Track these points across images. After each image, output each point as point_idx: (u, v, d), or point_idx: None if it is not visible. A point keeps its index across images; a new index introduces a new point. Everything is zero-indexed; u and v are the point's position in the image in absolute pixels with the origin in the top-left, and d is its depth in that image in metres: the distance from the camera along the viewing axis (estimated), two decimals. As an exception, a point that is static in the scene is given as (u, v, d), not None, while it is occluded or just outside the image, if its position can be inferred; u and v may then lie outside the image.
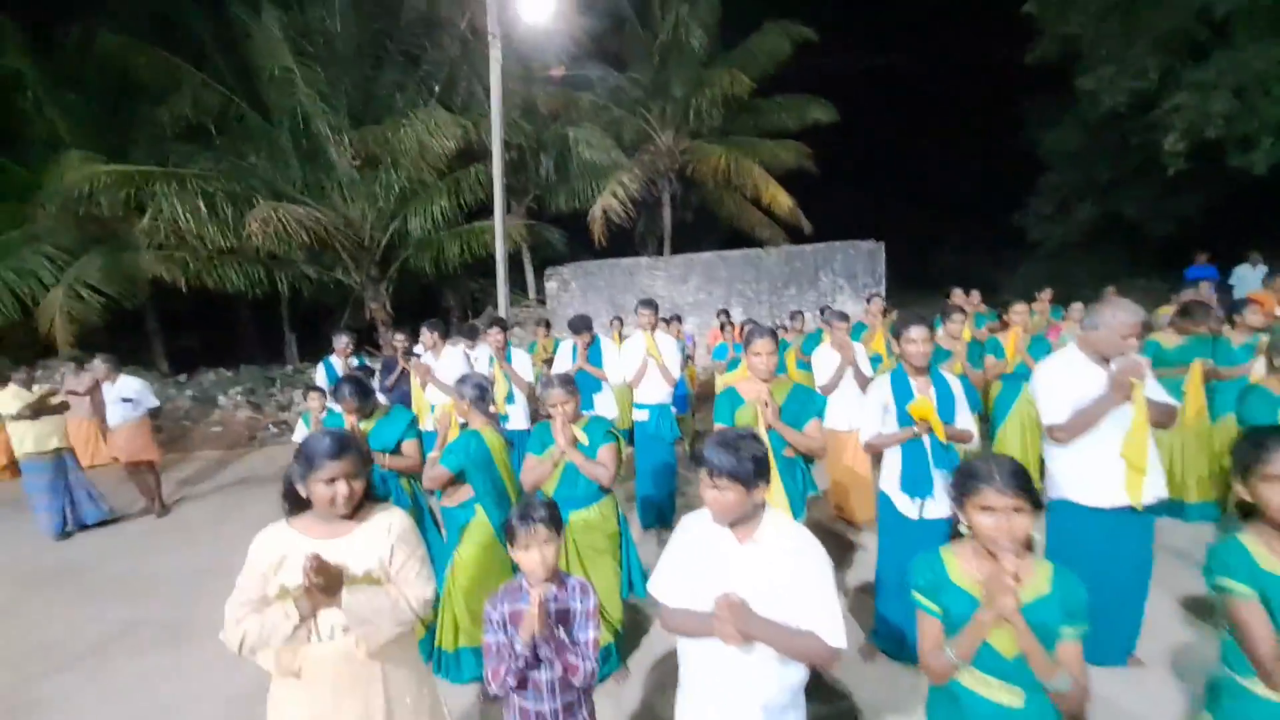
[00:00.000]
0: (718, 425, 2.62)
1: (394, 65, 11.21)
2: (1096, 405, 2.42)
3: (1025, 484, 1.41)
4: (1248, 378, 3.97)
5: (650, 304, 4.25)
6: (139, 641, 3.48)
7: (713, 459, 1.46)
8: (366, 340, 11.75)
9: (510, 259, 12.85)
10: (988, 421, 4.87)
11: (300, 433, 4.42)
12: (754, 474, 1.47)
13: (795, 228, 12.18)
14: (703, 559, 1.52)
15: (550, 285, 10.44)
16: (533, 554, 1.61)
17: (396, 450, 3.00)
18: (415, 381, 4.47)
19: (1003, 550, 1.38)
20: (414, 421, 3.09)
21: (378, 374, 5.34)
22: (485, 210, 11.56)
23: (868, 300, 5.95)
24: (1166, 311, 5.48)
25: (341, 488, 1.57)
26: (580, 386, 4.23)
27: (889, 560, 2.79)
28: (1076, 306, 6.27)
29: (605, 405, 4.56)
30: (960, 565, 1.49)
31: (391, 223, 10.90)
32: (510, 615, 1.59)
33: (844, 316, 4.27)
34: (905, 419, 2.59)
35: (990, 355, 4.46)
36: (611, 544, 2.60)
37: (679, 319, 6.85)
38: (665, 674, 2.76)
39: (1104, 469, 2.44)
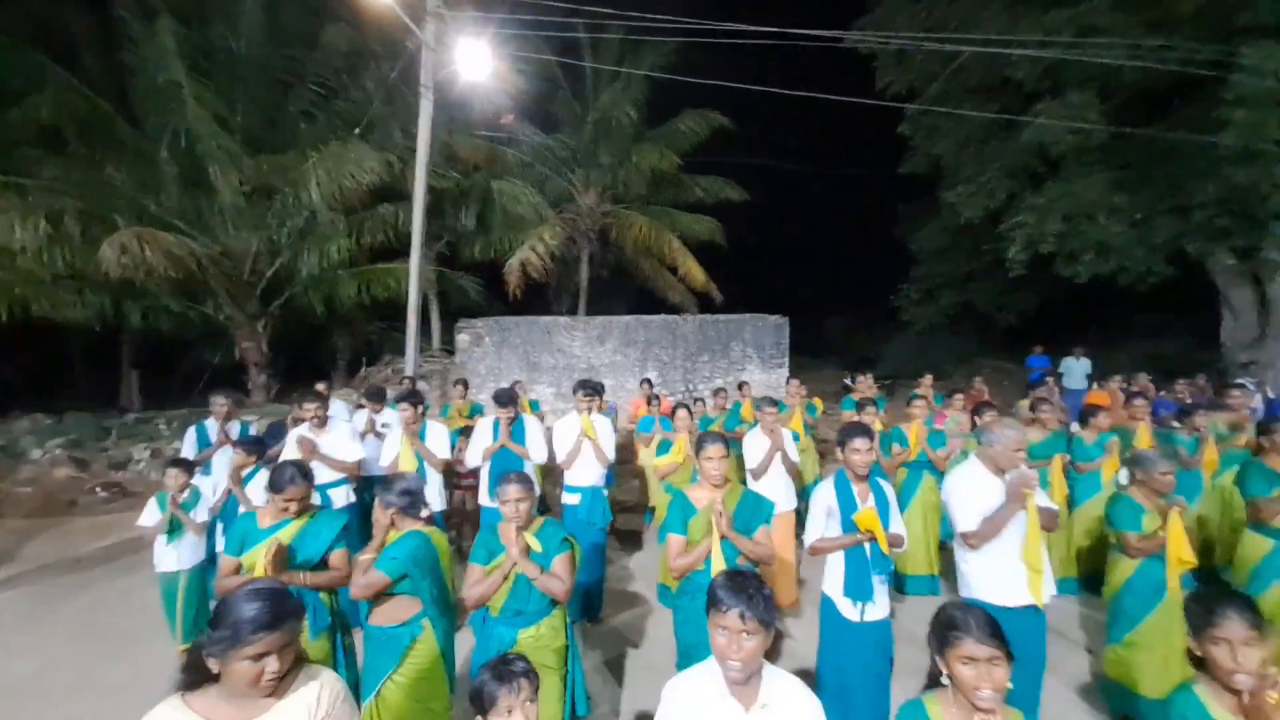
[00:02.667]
0: (670, 535, 2.55)
1: (304, 95, 10.55)
2: (999, 514, 2.68)
3: (1000, 634, 1.47)
4: (1100, 472, 4.68)
5: (590, 387, 4.14)
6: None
7: (739, 602, 1.38)
8: (229, 382, 10.39)
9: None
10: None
11: (151, 515, 3.60)
12: (774, 617, 1.42)
13: (704, 295, 12.84)
14: None
15: (462, 338, 9.95)
16: (515, 718, 1.41)
17: (322, 563, 2.55)
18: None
19: (982, 700, 1.42)
20: (346, 526, 2.65)
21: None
22: (389, 252, 10.99)
23: (786, 381, 6.28)
24: (1024, 404, 6.31)
25: (271, 664, 1.29)
26: (502, 465, 4.02)
27: (829, 661, 2.81)
28: (925, 380, 7.10)
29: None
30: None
31: (279, 258, 9.97)
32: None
33: (773, 402, 4.44)
34: (849, 525, 2.70)
35: (896, 444, 4.83)
36: (558, 660, 2.37)
37: (600, 389, 6.75)
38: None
39: (1009, 571, 2.68)
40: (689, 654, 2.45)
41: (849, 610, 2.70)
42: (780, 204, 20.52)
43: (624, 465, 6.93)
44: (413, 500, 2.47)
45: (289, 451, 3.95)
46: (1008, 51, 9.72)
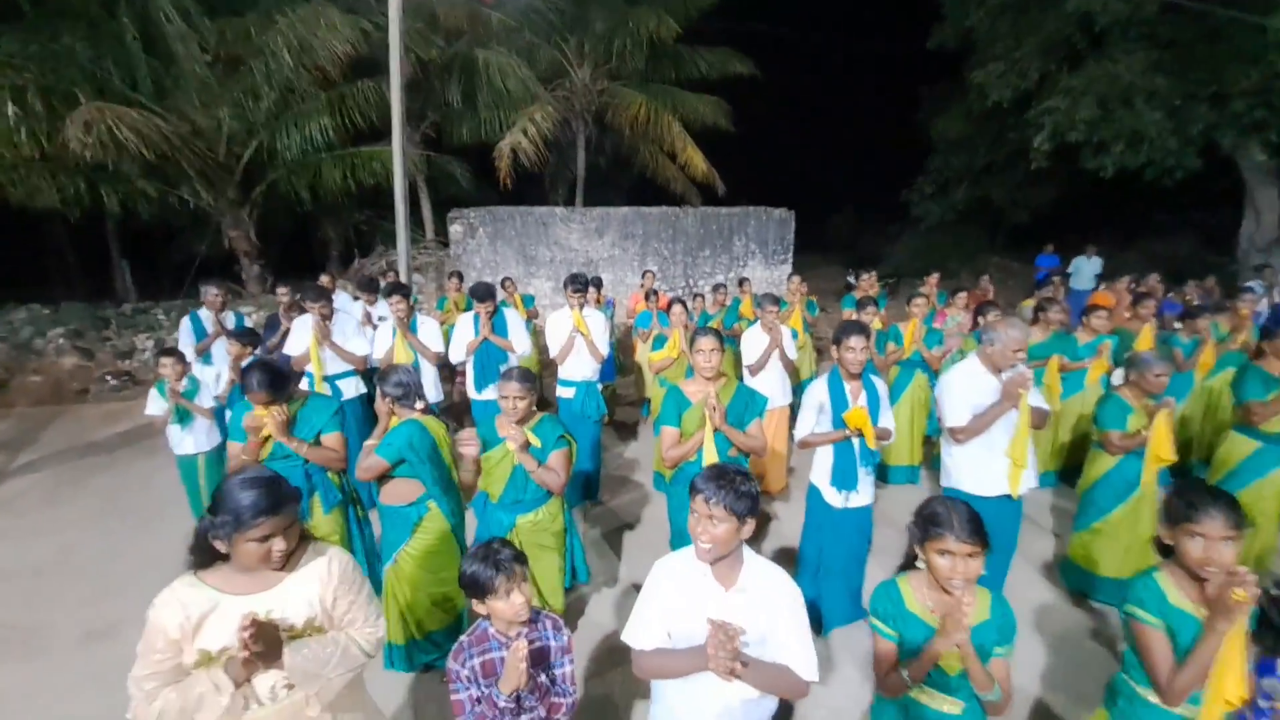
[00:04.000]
0: (664, 427, 2.60)
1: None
2: (991, 411, 2.74)
3: (981, 530, 1.54)
4: (1085, 371, 4.74)
5: (581, 282, 4.03)
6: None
7: (709, 490, 1.44)
8: (223, 272, 10.20)
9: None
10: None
11: (155, 406, 3.65)
12: (749, 509, 1.47)
13: (707, 186, 12.19)
14: (685, 607, 1.50)
15: (455, 229, 9.58)
16: (515, 598, 1.50)
17: (316, 442, 2.65)
18: (314, 345, 3.92)
19: (955, 587, 1.52)
20: (338, 411, 2.73)
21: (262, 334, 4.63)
22: (375, 135, 10.26)
23: (788, 279, 6.14)
24: (1029, 304, 6.24)
25: (277, 544, 1.35)
26: (485, 359, 4.03)
27: (812, 543, 3.01)
28: (931, 279, 6.99)
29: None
30: (916, 596, 1.62)
31: (256, 138, 9.35)
32: (482, 666, 1.49)
33: (774, 300, 4.37)
34: (840, 422, 2.75)
35: (891, 342, 4.83)
36: (557, 541, 2.54)
37: (599, 283, 6.59)
38: (604, 658, 2.82)
39: (991, 464, 2.80)
40: (681, 536, 2.61)
41: (834, 498, 2.84)
42: (792, 83, 18.90)
43: (625, 360, 7.02)
44: (406, 391, 2.49)
45: (302, 336, 3.93)
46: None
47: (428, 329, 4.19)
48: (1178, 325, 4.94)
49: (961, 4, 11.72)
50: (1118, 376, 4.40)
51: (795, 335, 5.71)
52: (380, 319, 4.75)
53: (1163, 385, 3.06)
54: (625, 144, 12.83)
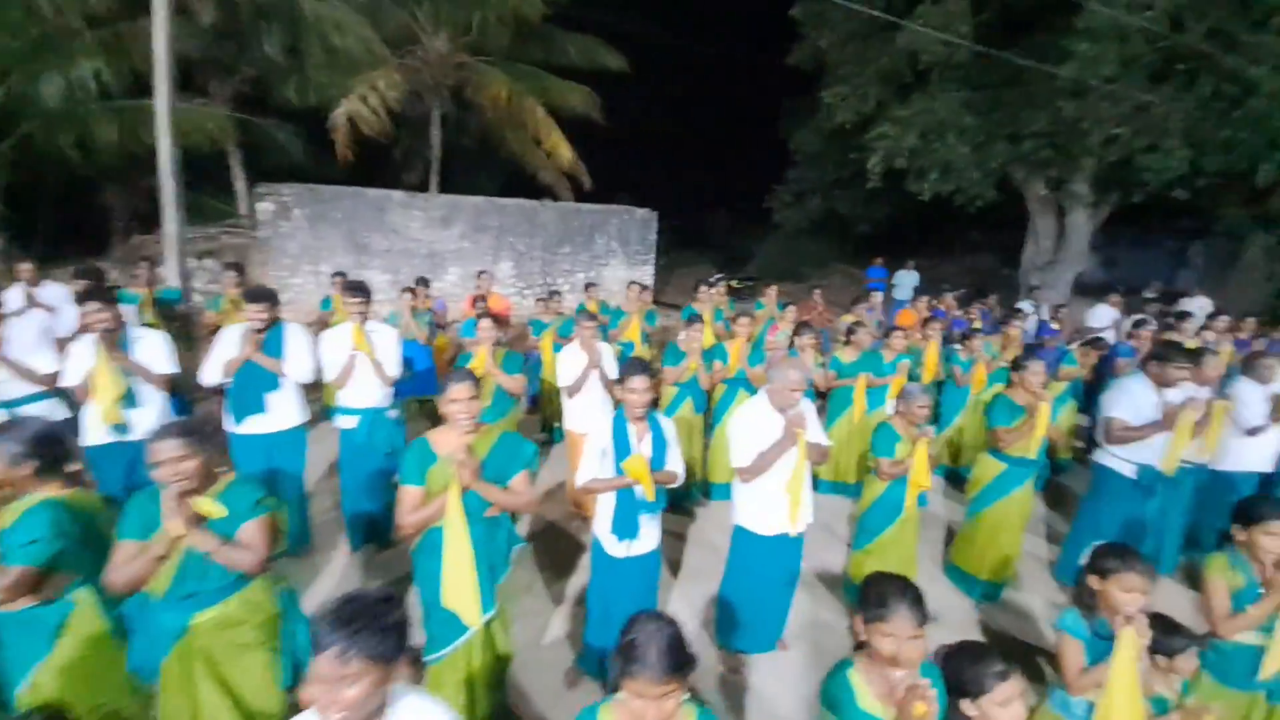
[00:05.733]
0: (403, 487, 2.23)
1: None
2: (772, 450, 2.77)
3: (924, 608, 1.55)
4: (889, 387, 5.12)
5: (357, 288, 3.48)
6: None
7: (340, 637, 1.10)
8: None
9: (216, 161, 10.00)
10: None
11: None
12: (397, 646, 1.19)
13: (576, 178, 11.80)
14: None
15: (263, 207, 8.21)
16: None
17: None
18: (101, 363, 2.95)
19: (902, 668, 1.51)
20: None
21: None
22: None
23: (628, 286, 5.99)
24: (848, 319, 6.68)
25: None
26: (248, 382, 3.26)
27: (596, 596, 2.86)
28: (770, 292, 7.34)
29: (283, 410, 3.41)
30: (869, 691, 1.55)
31: (6, 79, 7.44)
32: None
33: (591, 317, 4.15)
34: (620, 468, 2.58)
35: (717, 361, 4.85)
36: (263, 633, 2.04)
37: (425, 283, 5.95)
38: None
39: (773, 503, 2.83)
40: (430, 610, 2.28)
41: (615, 547, 2.68)
42: (669, 82, 19.13)
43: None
44: (47, 455, 1.89)
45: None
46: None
47: (149, 343, 3.16)
48: (958, 346, 5.51)
49: (816, 26, 12.41)
50: (890, 407, 4.77)
51: (631, 348, 5.63)
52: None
53: (924, 415, 3.28)
54: (491, 126, 12.03)
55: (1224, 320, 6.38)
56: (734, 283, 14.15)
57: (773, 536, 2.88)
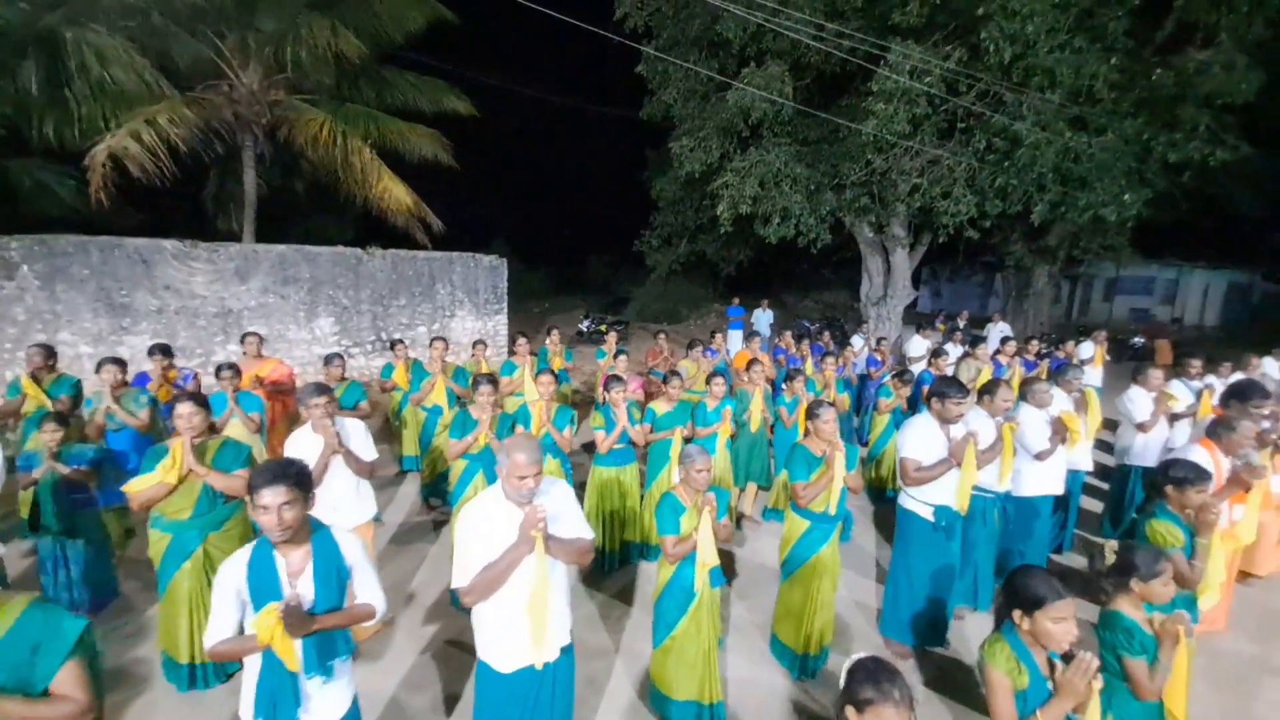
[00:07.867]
0: None
1: None
2: (503, 559, 2.10)
3: (909, 694, 1.47)
4: (716, 436, 4.83)
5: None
6: None
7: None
8: None
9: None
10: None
11: None
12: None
13: (426, 221, 10.95)
14: None
15: (-16, 266, 6.66)
16: None
17: None
18: None
19: None
20: None
21: None
22: None
23: (431, 343, 5.31)
24: (685, 364, 6.46)
25: None
26: None
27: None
28: (611, 337, 6.99)
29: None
30: None
31: None
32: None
33: (323, 390, 3.35)
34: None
35: (520, 426, 4.27)
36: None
37: (166, 351, 4.74)
38: None
39: (510, 629, 2.17)
40: None
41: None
42: (540, 133, 19.12)
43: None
44: None
45: None
46: (721, 6, 9.69)
47: None
48: (783, 386, 5.40)
49: (661, 83, 12.89)
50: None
51: (441, 411, 4.91)
52: None
53: (704, 480, 2.88)
54: (319, 169, 10.96)
55: (1012, 345, 6.94)
56: (602, 326, 13.92)
57: (513, 674, 2.20)
